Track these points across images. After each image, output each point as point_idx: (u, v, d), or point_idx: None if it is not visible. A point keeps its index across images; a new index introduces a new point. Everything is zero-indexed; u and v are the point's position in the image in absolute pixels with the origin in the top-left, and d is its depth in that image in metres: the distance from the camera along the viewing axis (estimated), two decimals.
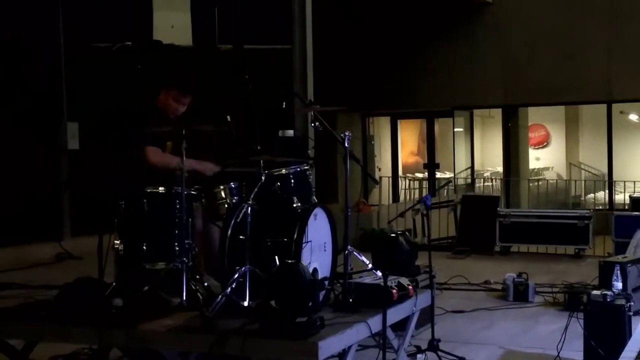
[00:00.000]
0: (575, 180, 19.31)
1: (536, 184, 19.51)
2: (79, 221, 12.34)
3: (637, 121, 21.29)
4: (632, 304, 5.86)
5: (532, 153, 21.84)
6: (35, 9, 12.36)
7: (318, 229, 5.62)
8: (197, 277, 5.75)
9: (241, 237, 5.46)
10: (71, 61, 12.75)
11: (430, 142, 19.98)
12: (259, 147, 5.69)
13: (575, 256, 11.81)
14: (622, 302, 5.70)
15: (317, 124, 6.10)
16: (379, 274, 5.74)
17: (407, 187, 20.37)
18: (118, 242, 5.68)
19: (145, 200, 5.69)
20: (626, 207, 13.71)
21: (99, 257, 5.52)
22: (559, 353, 5.97)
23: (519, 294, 8.45)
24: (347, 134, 5.86)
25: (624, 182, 16.00)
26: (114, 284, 5.60)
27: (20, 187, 11.86)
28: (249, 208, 5.46)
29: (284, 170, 5.83)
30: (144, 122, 6.05)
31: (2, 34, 12.00)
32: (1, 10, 11.91)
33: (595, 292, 5.83)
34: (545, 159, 23.10)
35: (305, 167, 6.00)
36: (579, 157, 22.48)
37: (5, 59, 12.17)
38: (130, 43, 13.45)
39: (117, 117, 6.37)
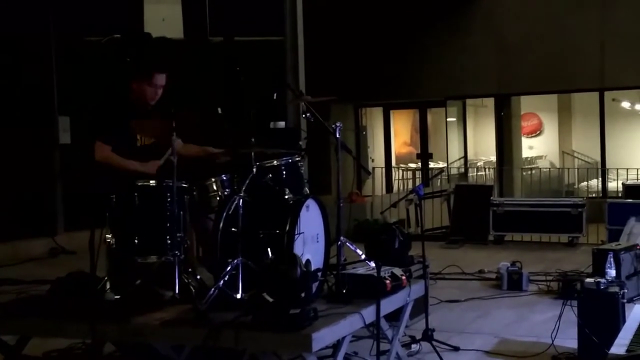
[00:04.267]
0: (569, 169, 19.30)
1: (529, 172, 19.52)
2: (72, 216, 12.31)
3: (629, 109, 21.30)
4: (626, 291, 5.86)
5: (525, 142, 21.83)
6: (25, 3, 12.30)
7: (310, 220, 5.61)
8: (190, 270, 5.74)
9: (233, 229, 5.44)
10: (62, 55, 12.71)
11: (423, 132, 19.96)
12: (252, 139, 5.67)
13: (569, 244, 11.82)
14: (615, 289, 5.70)
15: (308, 115, 6.08)
16: (372, 264, 5.74)
17: (400, 177, 20.36)
18: (110, 236, 5.65)
19: (136, 194, 5.66)
20: (619, 195, 13.72)
21: (91, 251, 5.49)
22: (553, 341, 5.97)
23: (513, 282, 8.45)
24: (338, 124, 5.84)
25: (617, 169, 16.00)
26: (106, 278, 5.58)
27: (12, 182, 11.82)
28: (241, 200, 5.45)
29: (275, 162, 5.81)
30: (115, 116, 6.07)
31: None
32: None
33: (589, 279, 5.83)
34: (538, 147, 23.10)
35: (297, 159, 5.98)
36: (571, 145, 22.48)
37: None
38: (119, 36, 13.39)
39: (98, 111, 6.35)
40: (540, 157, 22.83)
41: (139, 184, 5.69)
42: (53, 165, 12.65)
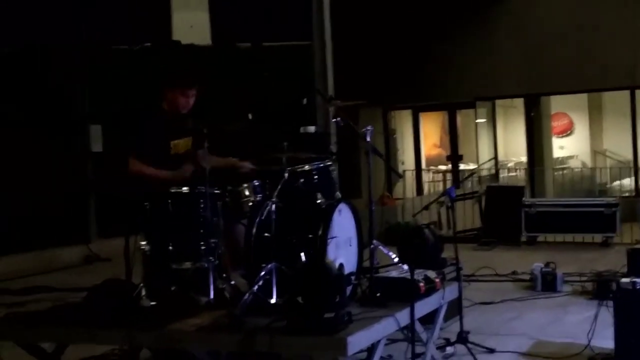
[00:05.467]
0: (601, 168, 19.15)
1: (561, 172, 19.38)
2: (105, 223, 12.41)
3: None
4: None
5: (556, 142, 21.67)
6: (56, 13, 12.43)
7: (343, 224, 5.62)
8: (224, 275, 5.76)
9: (266, 234, 5.46)
10: (93, 63, 12.82)
11: (452, 134, 19.88)
12: (284, 144, 5.69)
13: (603, 244, 11.73)
14: None
15: (338, 119, 6.09)
16: (406, 267, 5.74)
17: (430, 179, 20.29)
18: (144, 243, 5.70)
19: (169, 201, 5.70)
20: None
21: (126, 258, 5.54)
22: (589, 342, 5.94)
23: (547, 283, 8.41)
24: (368, 128, 5.85)
25: None
26: (141, 284, 5.62)
27: (46, 190, 11.94)
28: (274, 205, 5.47)
29: (307, 167, 5.83)
30: (147, 127, 6.13)
31: (25, 39, 12.08)
32: (23, 15, 11.99)
33: (624, 279, 5.78)
34: (569, 147, 22.92)
35: (328, 163, 5.99)
36: (603, 145, 22.29)
37: (29, 63, 12.25)
38: (149, 44, 13.49)
39: (131, 120, 6.41)
40: (571, 157, 22.66)
41: (173, 190, 5.73)
42: (86, 173, 12.76)
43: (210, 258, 5.54)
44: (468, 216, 13.27)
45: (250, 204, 5.97)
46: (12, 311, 6.53)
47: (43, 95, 12.36)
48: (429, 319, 5.82)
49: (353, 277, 5.51)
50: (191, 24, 15.39)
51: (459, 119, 20.08)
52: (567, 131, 23.12)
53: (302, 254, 5.35)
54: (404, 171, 17.84)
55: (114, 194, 6.67)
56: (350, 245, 5.74)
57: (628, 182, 17.91)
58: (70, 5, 12.51)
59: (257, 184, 6.04)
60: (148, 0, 14.36)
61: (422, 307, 5.51)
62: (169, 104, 6.27)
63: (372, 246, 5.84)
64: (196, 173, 5.99)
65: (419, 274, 5.57)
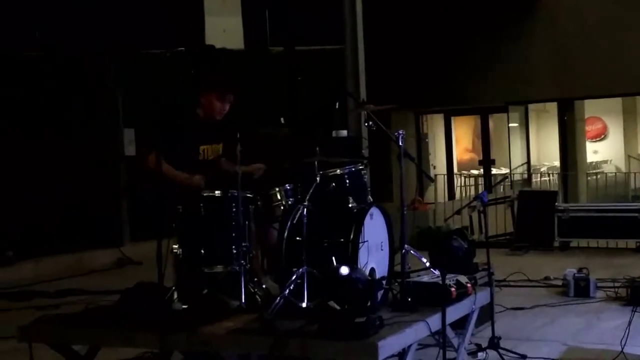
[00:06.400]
0: (635, 173, 18.98)
1: (594, 177, 19.24)
2: (138, 227, 12.49)
3: None
4: None
5: (590, 146, 21.55)
6: (90, 18, 12.55)
7: (374, 228, 5.62)
8: (255, 279, 5.78)
9: (298, 238, 5.47)
10: (127, 68, 12.92)
11: (485, 138, 19.83)
12: (317, 148, 5.70)
13: (637, 250, 11.61)
14: None
15: (370, 123, 6.09)
16: (437, 272, 5.72)
17: (462, 184, 20.24)
18: (176, 246, 5.73)
19: (201, 205, 5.73)
20: None
21: (158, 262, 5.57)
22: (622, 348, 5.88)
23: (580, 289, 8.34)
24: (400, 132, 5.84)
25: None
26: (173, 288, 5.65)
27: (80, 194, 12.04)
28: (305, 209, 5.47)
29: (338, 171, 5.83)
30: (179, 130, 6.17)
31: (60, 45, 12.21)
32: (58, 20, 12.13)
33: None
34: (603, 152, 22.79)
35: (360, 167, 5.99)
36: (638, 149, 22.12)
37: (63, 69, 12.37)
38: (183, 49, 13.58)
39: (161, 124, 6.45)
40: (605, 162, 22.52)
41: (205, 194, 5.76)
42: (119, 177, 12.85)
43: (242, 262, 5.56)
44: (500, 221, 13.20)
45: (282, 207, 5.98)
46: (45, 313, 6.60)
47: (78, 99, 12.48)
48: (460, 324, 5.80)
49: (384, 282, 5.50)
50: (224, 28, 15.48)
51: (491, 123, 20.01)
52: (600, 135, 22.98)
53: (334, 258, 5.35)
54: (436, 175, 17.82)
55: (147, 197, 6.70)
56: (382, 250, 5.74)
57: None
58: (103, 10, 12.62)
59: (288, 187, 6.06)
60: (181, 4, 14.46)
61: (454, 312, 5.49)
62: (203, 109, 6.30)
63: (403, 251, 5.83)
64: (221, 179, 6.01)
65: (450, 279, 5.55)
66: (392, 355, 4.98)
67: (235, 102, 6.41)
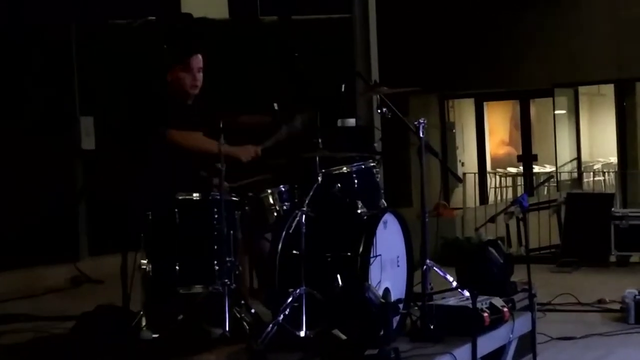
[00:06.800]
0: None
1: None
2: (98, 238, 12.48)
3: None
4: None
5: None
6: None
7: (389, 239, 5.64)
8: (242, 302, 5.79)
9: (294, 251, 5.49)
10: (84, 43, 12.90)
11: (525, 129, 19.85)
12: (318, 141, 5.71)
13: None
14: None
15: (384, 109, 6.11)
16: (466, 293, 5.73)
17: (497, 185, 20.27)
18: (145, 261, 5.74)
19: (177, 210, 5.74)
20: None
21: (123, 280, 5.58)
22: None
23: None
24: (421, 121, 5.86)
25: None
26: (141, 312, 5.66)
27: (27, 198, 12.02)
28: (304, 216, 5.49)
29: (345, 169, 5.85)
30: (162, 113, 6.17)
31: (7, 16, 12.18)
32: None
33: None
34: None
35: (371, 164, 6.01)
36: None
37: (6, 45, 12.35)
38: (153, 18, 13.57)
39: (133, 110, 6.46)
40: None
41: (180, 197, 5.77)
42: (74, 176, 12.83)
43: (226, 280, 5.57)
44: (544, 231, 13.22)
45: (275, 214, 5.99)
46: None
47: (24, 83, 12.45)
48: (494, 358, 5.81)
49: (401, 305, 5.51)
50: None
51: (533, 110, 20.04)
52: None
53: (339, 276, 5.36)
54: (465, 174, 17.79)
55: (109, 201, 6.72)
56: (398, 266, 5.76)
57: None
58: None
59: (283, 189, 6.08)
60: None
61: (487, 343, 5.51)
62: (173, 88, 6.30)
63: (424, 267, 5.84)
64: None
65: (482, 302, 5.57)
66: None
67: (214, 79, 6.41)
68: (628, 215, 12.20)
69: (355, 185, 5.83)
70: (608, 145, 20.07)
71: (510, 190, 20.19)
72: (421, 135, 5.84)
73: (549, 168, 19.39)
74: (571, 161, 19.14)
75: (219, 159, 5.72)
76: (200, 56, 6.37)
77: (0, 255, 11.58)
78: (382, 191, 6.10)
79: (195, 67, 6.33)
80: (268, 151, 6.23)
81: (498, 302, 5.74)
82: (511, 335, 5.82)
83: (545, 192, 15.65)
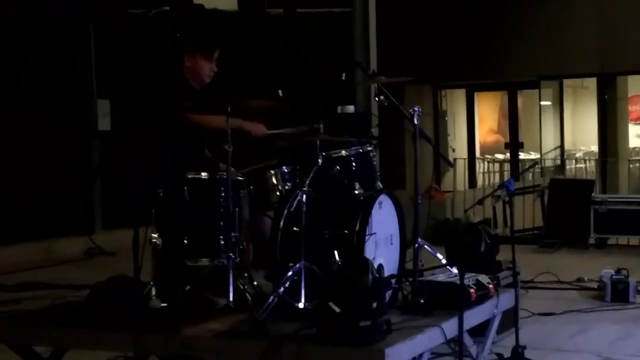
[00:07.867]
0: None
1: (637, 165, 19.22)
2: (111, 213, 12.49)
3: None
4: None
5: (633, 129, 21.50)
6: None
7: (383, 219, 5.63)
8: (246, 274, 5.79)
9: (295, 229, 5.48)
10: (102, 31, 12.87)
11: (512, 118, 19.82)
12: (319, 126, 5.70)
13: None
14: None
15: (381, 97, 6.10)
16: (455, 270, 5.73)
17: (485, 170, 20.25)
18: (156, 235, 5.74)
19: (185, 188, 5.74)
20: None
21: (135, 252, 5.58)
22: None
23: (618, 293, 8.35)
24: (416, 109, 5.85)
25: None
26: (151, 283, 5.66)
27: (45, 174, 12.01)
28: (304, 196, 5.48)
29: (344, 152, 5.84)
30: (173, 97, 6.15)
31: (23, 4, 12.14)
32: None
33: None
34: None
35: (369, 148, 6.00)
36: None
37: (27, 30, 12.30)
38: (168, 8, 13.53)
39: (149, 92, 6.44)
40: None
41: (190, 176, 5.76)
42: (91, 155, 12.83)
43: (231, 254, 5.57)
44: (528, 213, 13.22)
45: (278, 193, 5.99)
46: (5, 310, 6.61)
47: (44, 67, 12.41)
48: (479, 331, 5.82)
49: (393, 281, 5.51)
50: None
51: (520, 100, 19.99)
52: None
53: (336, 252, 5.35)
54: (455, 159, 17.77)
55: (123, 179, 6.71)
56: (392, 244, 5.75)
57: None
58: None
59: (286, 170, 6.06)
60: None
61: (473, 317, 5.51)
62: (190, 73, 6.29)
63: (416, 245, 5.84)
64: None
65: (469, 279, 5.57)
66: None
67: (224, 67, 6.40)
68: (607, 201, 12.19)
69: (353, 168, 5.82)
70: (590, 134, 20.03)
71: (497, 175, 20.16)
72: (416, 122, 5.83)
73: (534, 155, 19.37)
74: (555, 149, 19.11)
75: (231, 136, 5.70)
76: (218, 50, 6.38)
77: (21, 227, 11.61)
78: (378, 174, 6.09)
79: (215, 59, 6.34)
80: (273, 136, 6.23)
81: (484, 279, 5.74)
82: (495, 310, 5.82)
83: (530, 178, 15.63)
